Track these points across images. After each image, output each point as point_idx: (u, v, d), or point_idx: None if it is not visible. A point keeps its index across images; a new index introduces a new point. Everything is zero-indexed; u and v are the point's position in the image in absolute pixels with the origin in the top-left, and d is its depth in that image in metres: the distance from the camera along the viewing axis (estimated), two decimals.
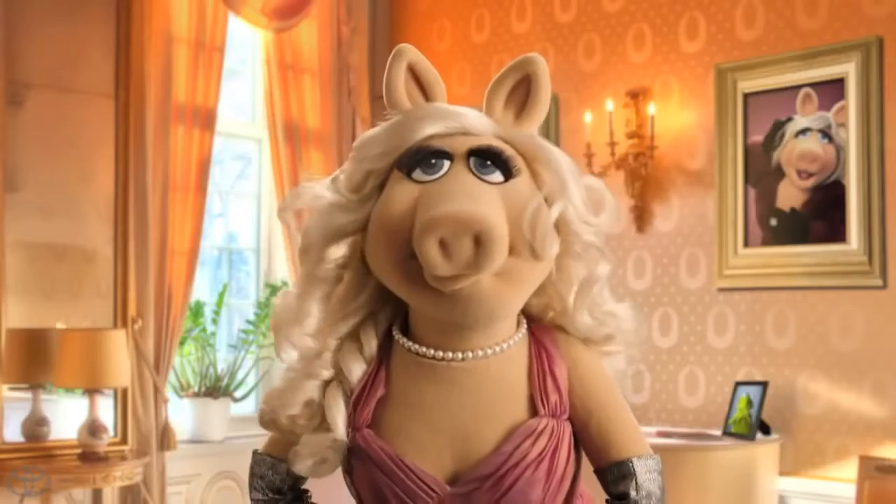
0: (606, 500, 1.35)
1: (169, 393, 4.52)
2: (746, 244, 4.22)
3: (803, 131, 4.07)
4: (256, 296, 5.22)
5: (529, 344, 1.32)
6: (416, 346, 1.29)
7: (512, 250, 1.20)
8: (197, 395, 4.79)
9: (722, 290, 4.29)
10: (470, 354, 1.27)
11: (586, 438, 1.32)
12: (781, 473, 4.02)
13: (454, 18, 5.28)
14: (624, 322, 1.36)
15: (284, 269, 5.11)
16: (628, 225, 4.52)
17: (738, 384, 4.07)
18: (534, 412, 1.28)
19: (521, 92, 1.32)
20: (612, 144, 4.42)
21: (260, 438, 1.41)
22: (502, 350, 1.29)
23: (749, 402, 3.93)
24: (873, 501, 3.64)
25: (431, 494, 1.25)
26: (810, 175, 4.06)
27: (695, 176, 4.40)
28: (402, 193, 1.23)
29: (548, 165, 1.28)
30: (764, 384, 3.96)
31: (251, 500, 1.41)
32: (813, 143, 4.05)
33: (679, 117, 4.45)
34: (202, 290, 5.02)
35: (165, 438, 4.39)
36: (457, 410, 1.26)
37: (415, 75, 1.33)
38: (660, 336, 4.46)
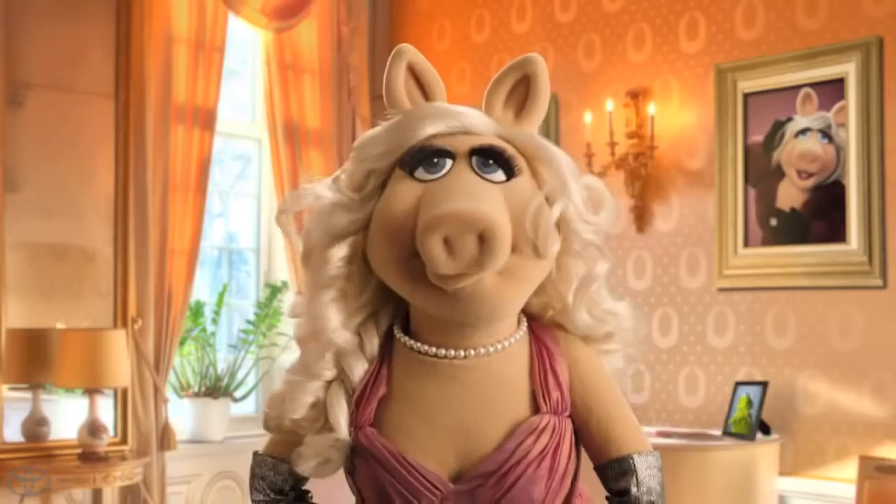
0: (607, 497, 1.35)
1: (169, 393, 4.52)
2: (746, 244, 4.22)
3: (803, 131, 4.07)
4: (256, 296, 5.22)
5: (530, 342, 1.33)
6: (418, 345, 1.29)
7: (514, 248, 1.21)
8: (197, 395, 4.79)
9: (722, 290, 4.29)
10: (472, 352, 1.28)
11: (587, 436, 1.33)
12: (781, 473, 4.02)
13: (454, 18, 5.28)
14: (623, 320, 1.37)
15: (284, 269, 5.11)
16: (628, 225, 4.52)
17: (738, 384, 4.07)
18: (535, 409, 1.28)
19: (521, 91, 1.33)
20: (612, 144, 4.42)
21: (260, 438, 1.41)
22: (504, 348, 1.30)
23: (749, 402, 3.93)
24: (873, 501, 3.65)
25: (435, 492, 1.25)
26: (810, 175, 4.06)
27: (695, 176, 4.40)
28: (405, 192, 1.24)
29: (548, 165, 1.29)
30: (764, 384, 3.96)
31: (252, 500, 1.41)
32: (813, 143, 4.05)
33: (679, 117, 4.45)
34: (202, 290, 5.02)
35: (165, 438, 4.39)
36: (459, 408, 1.27)
37: (415, 75, 1.33)
38: (660, 336, 4.46)
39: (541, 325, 1.35)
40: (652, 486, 1.31)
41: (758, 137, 4.21)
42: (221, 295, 4.94)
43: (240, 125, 5.24)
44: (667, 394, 4.44)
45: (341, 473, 1.33)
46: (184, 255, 4.54)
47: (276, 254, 5.23)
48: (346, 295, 1.31)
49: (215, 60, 4.68)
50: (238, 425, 4.82)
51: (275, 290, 5.04)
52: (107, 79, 4.39)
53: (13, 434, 4.09)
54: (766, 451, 3.96)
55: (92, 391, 4.01)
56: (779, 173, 4.14)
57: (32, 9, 4.19)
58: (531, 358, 1.31)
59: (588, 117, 4.53)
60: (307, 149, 5.03)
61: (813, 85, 4.04)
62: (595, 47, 4.74)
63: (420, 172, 1.25)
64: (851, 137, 3.93)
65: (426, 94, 1.34)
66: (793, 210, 4.11)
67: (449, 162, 1.26)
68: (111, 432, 4.20)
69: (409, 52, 1.32)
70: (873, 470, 3.68)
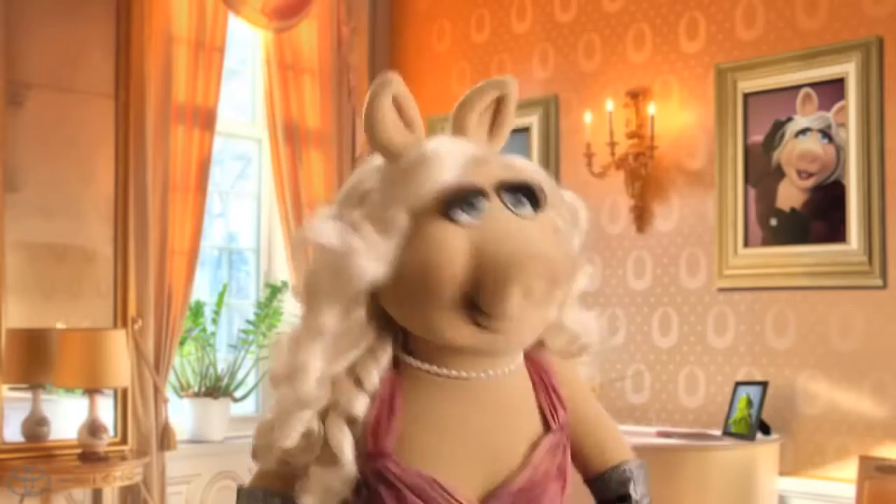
0: None
1: (169, 393, 4.52)
2: (746, 244, 4.22)
3: (803, 131, 4.07)
4: (256, 296, 5.23)
5: (525, 361, 1.37)
6: (436, 369, 1.28)
7: None
8: (197, 395, 4.79)
9: (722, 290, 4.29)
10: (491, 373, 1.30)
11: (581, 448, 1.39)
12: (781, 473, 4.02)
13: (454, 18, 5.28)
14: (593, 332, 1.41)
15: (284, 270, 5.12)
16: (628, 225, 4.53)
17: (738, 384, 4.07)
18: (545, 426, 1.32)
19: (491, 111, 1.35)
20: (612, 144, 4.42)
21: None
22: (517, 367, 1.33)
23: (749, 402, 3.93)
24: (873, 501, 3.64)
25: None
26: (810, 175, 4.06)
27: (695, 176, 4.40)
28: (449, 240, 1.21)
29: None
30: (764, 384, 3.96)
31: None
32: (813, 143, 4.05)
33: (679, 117, 4.45)
34: (202, 290, 5.02)
35: (165, 438, 4.39)
36: (482, 429, 1.28)
37: (397, 106, 1.30)
38: (660, 336, 4.46)
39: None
40: (646, 489, 1.37)
41: (758, 137, 4.21)
42: (221, 295, 4.94)
43: (240, 125, 5.24)
44: (667, 394, 4.44)
45: None
46: (184, 255, 4.53)
47: (276, 254, 5.23)
48: (339, 346, 1.28)
49: (215, 60, 4.68)
50: (238, 425, 4.82)
51: (275, 290, 5.04)
52: (107, 79, 4.39)
53: (13, 434, 4.09)
54: (766, 451, 3.96)
55: (92, 391, 4.01)
56: (779, 173, 4.14)
57: (32, 9, 4.19)
58: (531, 376, 1.34)
59: (588, 117, 4.53)
60: (307, 149, 5.03)
61: (813, 85, 4.04)
62: (595, 47, 4.74)
63: (457, 214, 1.22)
64: (851, 137, 3.93)
65: (408, 129, 1.31)
66: (793, 210, 4.11)
67: (484, 202, 1.24)
68: (111, 432, 4.20)
69: (395, 84, 1.29)
70: (873, 470, 3.68)
